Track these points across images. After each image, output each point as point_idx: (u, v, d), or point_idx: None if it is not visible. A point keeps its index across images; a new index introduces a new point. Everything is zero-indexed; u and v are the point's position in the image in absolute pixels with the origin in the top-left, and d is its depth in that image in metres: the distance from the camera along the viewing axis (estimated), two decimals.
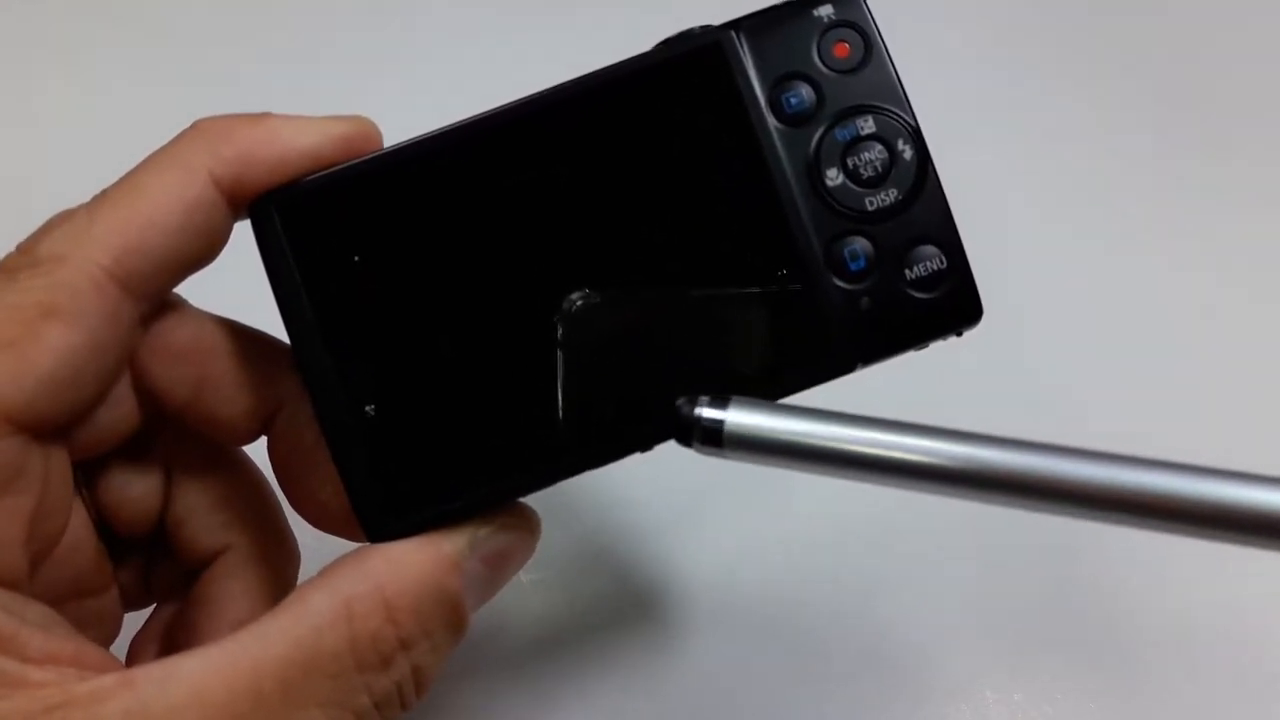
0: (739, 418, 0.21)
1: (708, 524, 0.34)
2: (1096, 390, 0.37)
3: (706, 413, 0.21)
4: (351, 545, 0.24)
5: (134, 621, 0.27)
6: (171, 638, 0.26)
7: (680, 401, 0.21)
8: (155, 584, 0.27)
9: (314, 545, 0.26)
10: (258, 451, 0.26)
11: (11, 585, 0.21)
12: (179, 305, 0.25)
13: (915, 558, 0.34)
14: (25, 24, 0.45)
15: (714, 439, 0.21)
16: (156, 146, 0.23)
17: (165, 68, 0.44)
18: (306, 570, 0.27)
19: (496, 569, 0.23)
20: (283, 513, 0.27)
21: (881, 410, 0.21)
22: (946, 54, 0.42)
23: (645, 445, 0.23)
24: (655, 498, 0.34)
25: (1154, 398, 0.36)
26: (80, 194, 0.24)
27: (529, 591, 0.33)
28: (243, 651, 0.20)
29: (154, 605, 0.27)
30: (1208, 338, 0.38)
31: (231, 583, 0.25)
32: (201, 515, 0.25)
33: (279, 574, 0.26)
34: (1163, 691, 0.32)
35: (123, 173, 0.23)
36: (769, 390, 0.23)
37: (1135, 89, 0.42)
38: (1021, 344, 0.37)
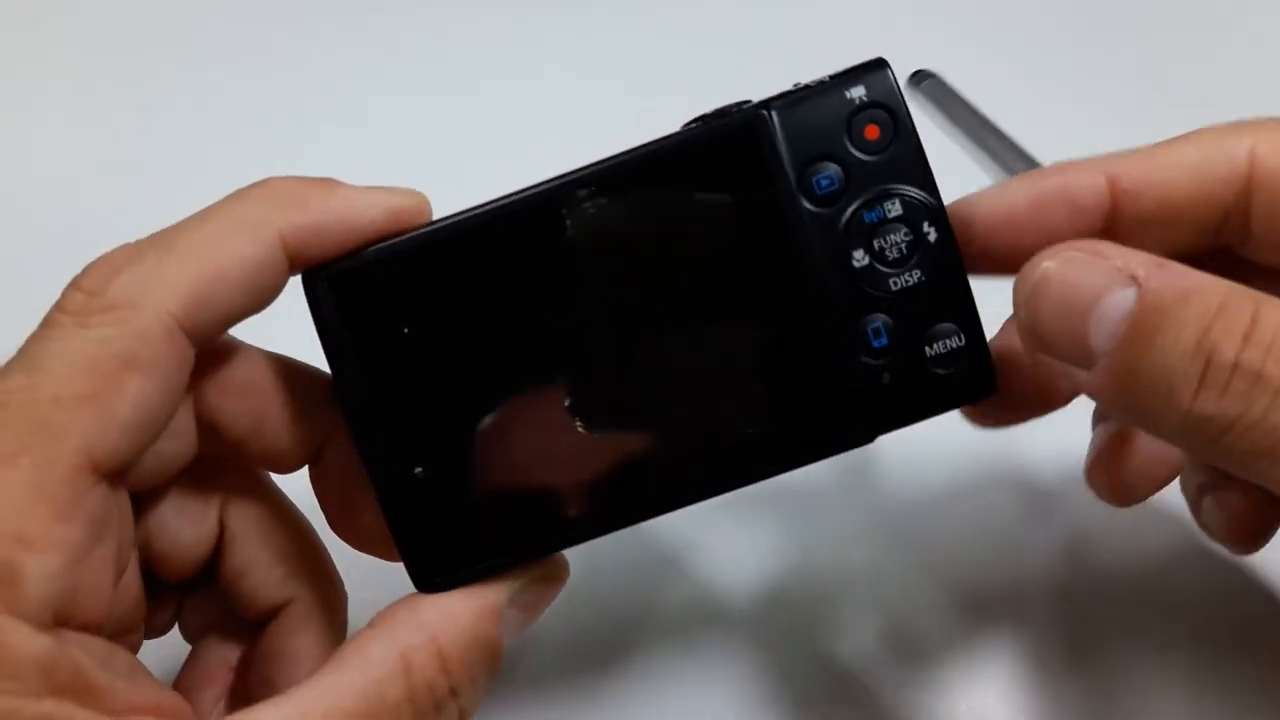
0: None
1: (728, 529, 0.35)
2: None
3: None
4: (378, 562, 0.25)
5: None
6: (247, 692, 0.27)
7: None
8: (186, 621, 0.28)
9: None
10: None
11: (99, 631, 0.22)
12: (235, 343, 0.26)
13: (934, 555, 0.35)
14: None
15: None
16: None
17: (162, 70, 0.44)
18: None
19: (529, 613, 0.25)
20: (330, 558, 0.28)
21: None
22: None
23: (671, 507, 0.25)
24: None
25: None
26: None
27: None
28: (313, 705, 0.22)
29: (189, 644, 0.28)
30: None
31: (302, 638, 0.27)
32: (261, 569, 0.27)
33: (337, 621, 0.27)
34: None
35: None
36: (791, 459, 0.24)
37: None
38: None
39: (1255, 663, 0.33)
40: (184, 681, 0.28)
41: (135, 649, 0.26)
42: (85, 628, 0.22)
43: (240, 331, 0.26)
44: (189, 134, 0.42)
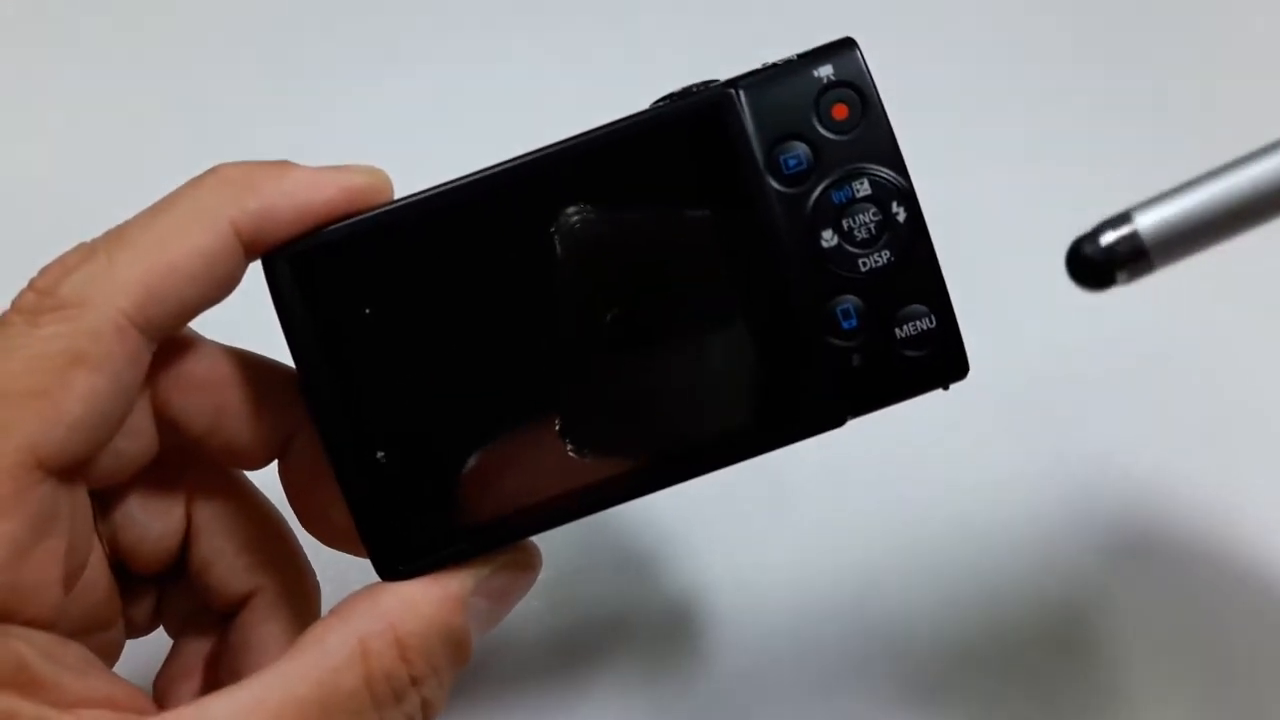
0: (1152, 225, 0.20)
1: (712, 534, 0.35)
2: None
3: (1114, 239, 0.20)
4: (353, 559, 0.25)
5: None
6: (217, 682, 0.27)
7: (1079, 243, 0.20)
8: (168, 615, 0.28)
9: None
10: (261, 477, 0.27)
11: (48, 626, 0.22)
12: (194, 338, 0.26)
13: (920, 566, 0.35)
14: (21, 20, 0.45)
15: (1142, 258, 0.20)
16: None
17: (158, 70, 0.44)
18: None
19: (499, 603, 0.25)
20: (302, 548, 0.28)
21: None
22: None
23: (640, 493, 0.24)
24: (663, 502, 0.35)
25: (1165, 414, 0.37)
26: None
27: (530, 599, 0.34)
28: (268, 693, 0.21)
29: (171, 639, 0.28)
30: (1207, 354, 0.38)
31: (268, 627, 0.26)
32: (227, 559, 0.26)
33: (307, 610, 0.27)
34: None
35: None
36: (761, 443, 0.24)
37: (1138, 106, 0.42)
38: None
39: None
40: (164, 677, 0.27)
41: (117, 645, 0.26)
42: (31, 622, 0.22)
43: (221, 333, 0.25)
44: (190, 133, 0.42)
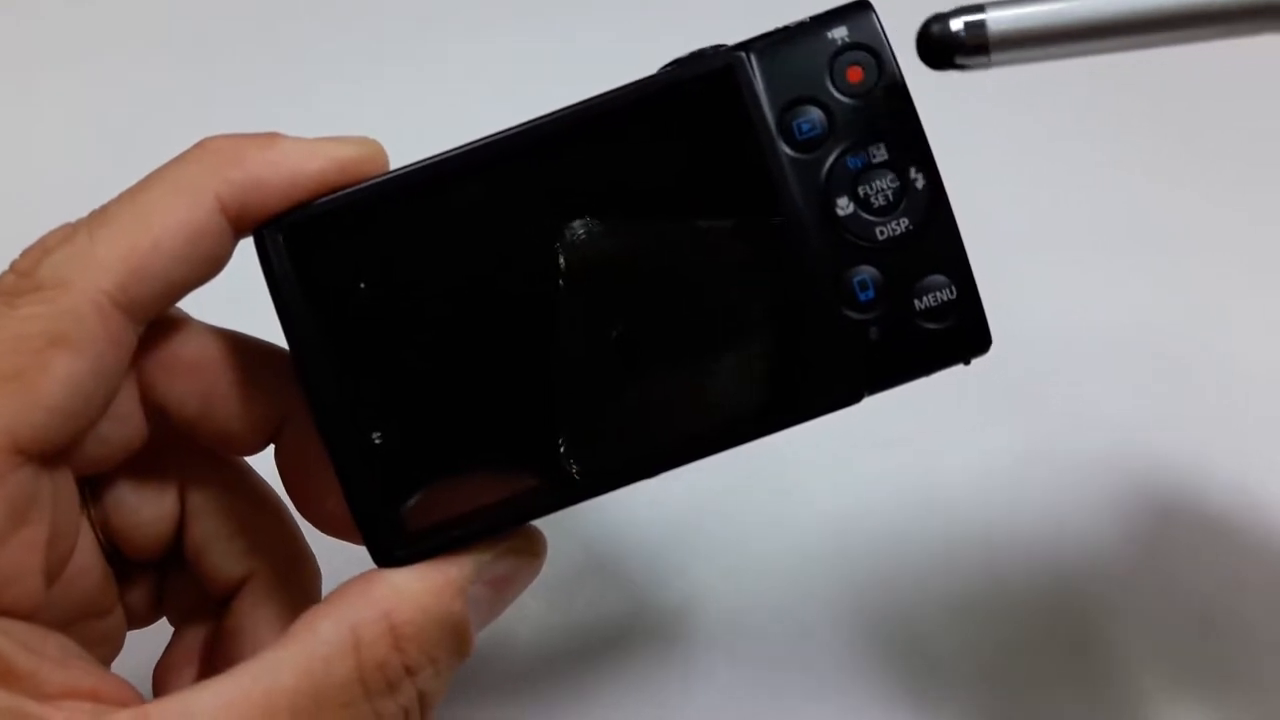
0: (999, 23, 0.21)
1: (713, 535, 0.34)
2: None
3: (961, 24, 0.21)
4: (350, 546, 0.24)
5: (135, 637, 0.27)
6: (212, 670, 0.25)
7: (930, 21, 0.21)
8: (169, 604, 0.27)
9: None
10: (261, 460, 0.26)
11: (29, 616, 0.21)
12: (182, 320, 0.25)
13: (922, 565, 0.34)
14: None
15: (981, 50, 0.21)
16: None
17: (157, 62, 0.44)
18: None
19: (502, 591, 0.24)
20: (301, 532, 0.27)
21: None
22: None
23: (650, 473, 0.23)
24: (659, 506, 0.34)
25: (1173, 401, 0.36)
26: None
27: (529, 600, 0.33)
28: (254, 684, 0.20)
29: (173, 628, 0.27)
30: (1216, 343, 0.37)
31: (261, 612, 0.26)
32: (221, 542, 0.26)
33: (305, 596, 0.26)
34: None
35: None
36: (775, 421, 0.23)
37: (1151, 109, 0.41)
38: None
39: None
40: (164, 664, 0.27)
41: (116, 634, 0.26)
42: (8, 612, 0.21)
43: (213, 314, 0.25)
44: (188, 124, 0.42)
